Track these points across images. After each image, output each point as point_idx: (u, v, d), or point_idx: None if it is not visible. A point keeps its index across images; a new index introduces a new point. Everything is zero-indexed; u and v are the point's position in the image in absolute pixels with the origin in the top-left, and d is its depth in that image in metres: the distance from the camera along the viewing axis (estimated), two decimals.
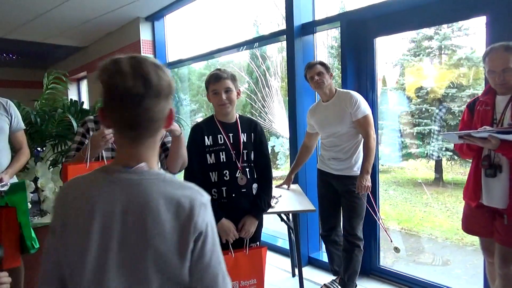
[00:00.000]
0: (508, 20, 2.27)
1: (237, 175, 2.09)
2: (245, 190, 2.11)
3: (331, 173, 2.84)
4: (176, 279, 0.86)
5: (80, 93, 7.76)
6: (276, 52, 8.05)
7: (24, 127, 2.63)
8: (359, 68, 3.09)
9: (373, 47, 3.02)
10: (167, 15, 5.29)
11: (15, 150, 2.56)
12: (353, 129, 2.71)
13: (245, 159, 2.12)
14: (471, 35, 8.92)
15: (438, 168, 7.13)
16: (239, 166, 2.10)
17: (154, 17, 5.25)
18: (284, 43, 3.51)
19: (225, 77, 2.05)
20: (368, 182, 2.65)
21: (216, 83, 2.06)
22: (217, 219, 2.02)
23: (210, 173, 2.09)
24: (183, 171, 2.07)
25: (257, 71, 7.14)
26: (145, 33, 5.35)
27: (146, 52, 5.34)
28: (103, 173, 0.92)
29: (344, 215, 2.86)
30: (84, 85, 7.71)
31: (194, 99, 8.36)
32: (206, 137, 2.10)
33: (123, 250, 0.86)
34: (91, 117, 1.94)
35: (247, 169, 2.13)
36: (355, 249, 2.77)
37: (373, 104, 3.07)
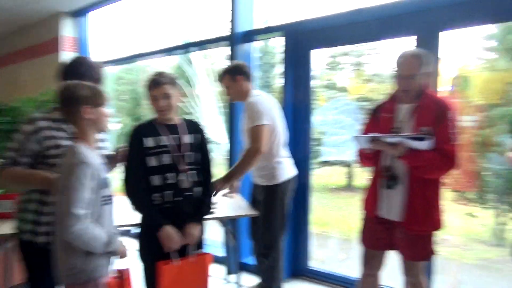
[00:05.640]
0: (431, 40, 2.57)
1: (181, 178, 2.04)
2: (189, 193, 2.06)
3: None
4: None
5: None
6: (200, 59, 8.04)
7: None
8: (297, 79, 3.22)
9: (309, 59, 3.19)
10: (92, 11, 4.96)
11: None
12: None
13: (189, 161, 2.08)
14: (382, 53, 9.84)
15: (350, 174, 7.74)
16: (183, 169, 2.05)
17: (78, 13, 4.89)
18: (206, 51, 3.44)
19: (164, 82, 1.99)
20: (223, 189, 2.59)
21: (155, 89, 2.00)
22: (160, 226, 1.95)
23: (153, 177, 2.00)
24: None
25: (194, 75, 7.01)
26: (66, 29, 4.95)
27: (66, 49, 4.94)
28: None
29: None
30: None
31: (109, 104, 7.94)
32: (146, 138, 2.01)
33: None
34: (40, 114, 1.76)
35: (191, 172, 2.08)
36: (259, 260, 2.81)
37: (308, 116, 3.23)
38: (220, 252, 3.46)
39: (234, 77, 2.67)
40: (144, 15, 5.37)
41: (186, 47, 4.03)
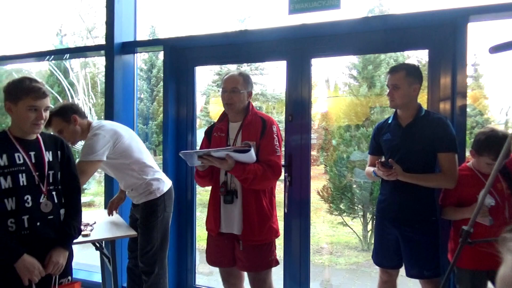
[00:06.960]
0: (299, 64, 2.82)
1: (41, 200, 1.81)
2: (52, 217, 1.84)
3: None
4: None
5: None
6: (79, 68, 7.46)
7: None
8: (180, 94, 3.19)
9: (194, 75, 3.19)
10: None
11: None
12: (111, 160, 2.44)
13: (50, 181, 1.86)
14: (266, 75, 10.43)
15: None
16: (44, 190, 1.83)
17: None
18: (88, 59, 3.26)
19: (47, 94, 1.82)
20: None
21: (38, 99, 1.77)
22: (17, 257, 1.71)
23: (6, 200, 1.74)
24: None
25: (66, 85, 6.38)
26: None
27: None
28: None
29: None
30: None
31: None
32: None
33: None
34: None
35: (54, 193, 1.87)
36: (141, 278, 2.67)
37: (191, 131, 3.21)
38: (98, 278, 3.18)
39: (68, 118, 2.39)
40: (12, 14, 4.78)
41: (59, 53, 3.68)
